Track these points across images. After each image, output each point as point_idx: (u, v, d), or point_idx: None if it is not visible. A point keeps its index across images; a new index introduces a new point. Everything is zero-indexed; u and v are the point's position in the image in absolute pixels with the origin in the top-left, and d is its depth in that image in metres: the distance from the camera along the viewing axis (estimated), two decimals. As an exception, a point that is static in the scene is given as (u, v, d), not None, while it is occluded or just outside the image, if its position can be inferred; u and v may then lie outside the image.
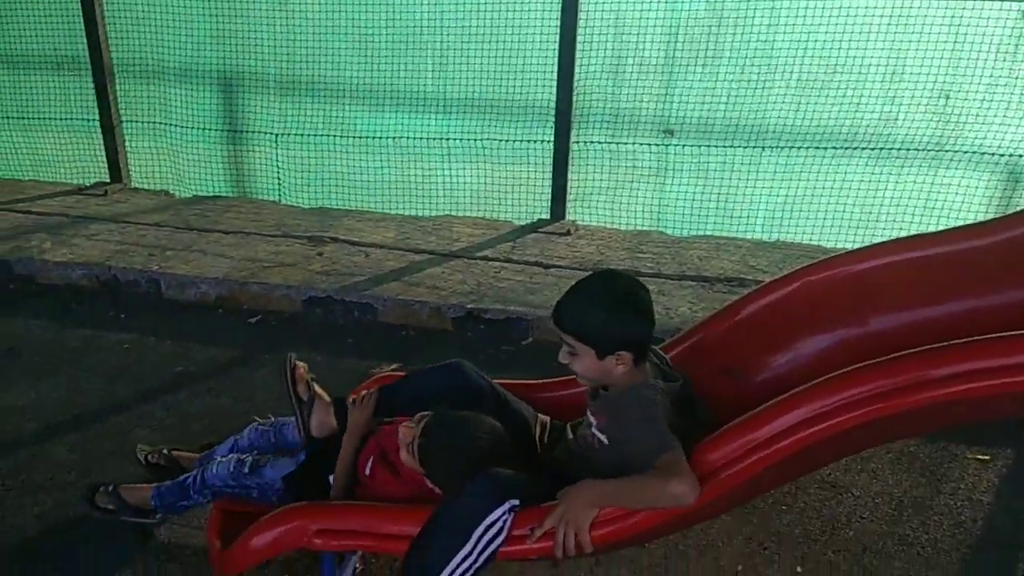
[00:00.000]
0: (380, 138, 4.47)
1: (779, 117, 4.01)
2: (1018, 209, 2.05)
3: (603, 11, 4.05)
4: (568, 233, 4.12)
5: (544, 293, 3.46)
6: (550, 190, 4.23)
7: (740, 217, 4.12)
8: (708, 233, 4.14)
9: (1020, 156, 3.86)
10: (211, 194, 4.80)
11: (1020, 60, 3.78)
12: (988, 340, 1.52)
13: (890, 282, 2.06)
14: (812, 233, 4.02)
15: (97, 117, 4.75)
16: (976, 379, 1.50)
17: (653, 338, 1.71)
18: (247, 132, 4.75)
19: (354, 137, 4.50)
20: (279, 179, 4.70)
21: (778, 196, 4.04)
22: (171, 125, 4.77)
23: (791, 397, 1.58)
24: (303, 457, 1.98)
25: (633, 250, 3.93)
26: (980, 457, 2.53)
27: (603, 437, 1.66)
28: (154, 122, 4.80)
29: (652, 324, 1.68)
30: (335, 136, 4.52)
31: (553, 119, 4.13)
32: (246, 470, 1.97)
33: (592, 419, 1.71)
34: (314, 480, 1.92)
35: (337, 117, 4.50)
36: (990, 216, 3.54)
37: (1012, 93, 3.80)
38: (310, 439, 1.99)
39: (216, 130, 4.78)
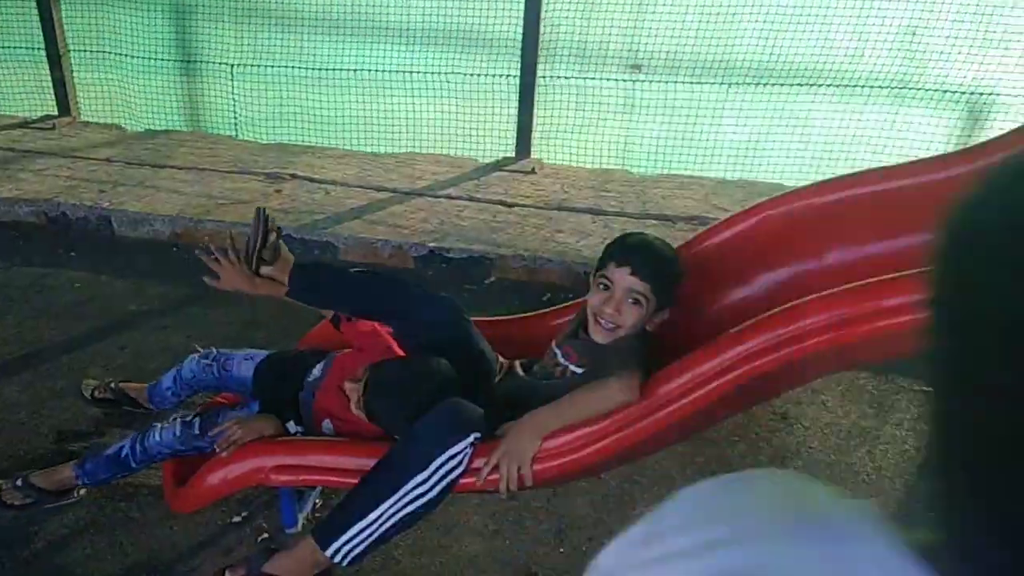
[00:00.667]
0: (341, 70, 4.33)
1: (747, 53, 3.96)
2: (977, 143, 2.05)
3: (571, -61, 3.92)
4: (533, 171, 4.07)
5: (507, 232, 3.44)
6: (515, 127, 4.16)
7: (705, 155, 4.09)
8: (673, 171, 4.12)
9: (981, 94, 3.88)
10: (164, 128, 4.63)
11: (987, -4, 3.75)
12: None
13: (848, 216, 2.07)
14: (775, 171, 4.03)
15: (43, 46, 4.53)
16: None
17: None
18: (202, 63, 4.57)
19: (314, 69, 4.35)
20: (235, 113, 4.55)
21: (743, 134, 4.02)
22: (122, 55, 4.56)
23: (743, 330, 1.59)
24: (255, 408, 1.93)
25: (598, 189, 3.90)
26: (926, 388, 2.60)
27: (578, 369, 1.68)
28: (103, 52, 4.59)
29: None
30: (294, 68, 4.37)
31: (519, 53, 4.03)
32: (196, 431, 1.86)
33: (562, 359, 1.71)
34: None
35: (296, 48, 4.34)
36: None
37: (977, 30, 3.78)
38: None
39: (169, 60, 4.58)
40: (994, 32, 3.79)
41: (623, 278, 1.63)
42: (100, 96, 4.70)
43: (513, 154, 4.21)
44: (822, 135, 3.97)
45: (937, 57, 3.85)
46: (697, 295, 2.09)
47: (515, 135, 4.18)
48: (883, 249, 2.04)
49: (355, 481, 1.65)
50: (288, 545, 1.70)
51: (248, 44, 4.42)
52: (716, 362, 1.59)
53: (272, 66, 4.40)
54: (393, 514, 1.55)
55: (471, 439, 1.56)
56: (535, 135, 4.18)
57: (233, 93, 4.52)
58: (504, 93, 4.16)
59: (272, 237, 1.85)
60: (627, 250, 1.67)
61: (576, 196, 3.80)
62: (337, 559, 1.58)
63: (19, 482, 2.02)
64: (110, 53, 4.57)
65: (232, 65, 4.46)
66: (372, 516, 1.55)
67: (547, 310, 2.15)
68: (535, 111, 4.10)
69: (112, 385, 2.29)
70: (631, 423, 1.57)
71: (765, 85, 3.98)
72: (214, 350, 2.09)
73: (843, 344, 1.57)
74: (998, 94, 3.86)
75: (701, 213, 3.62)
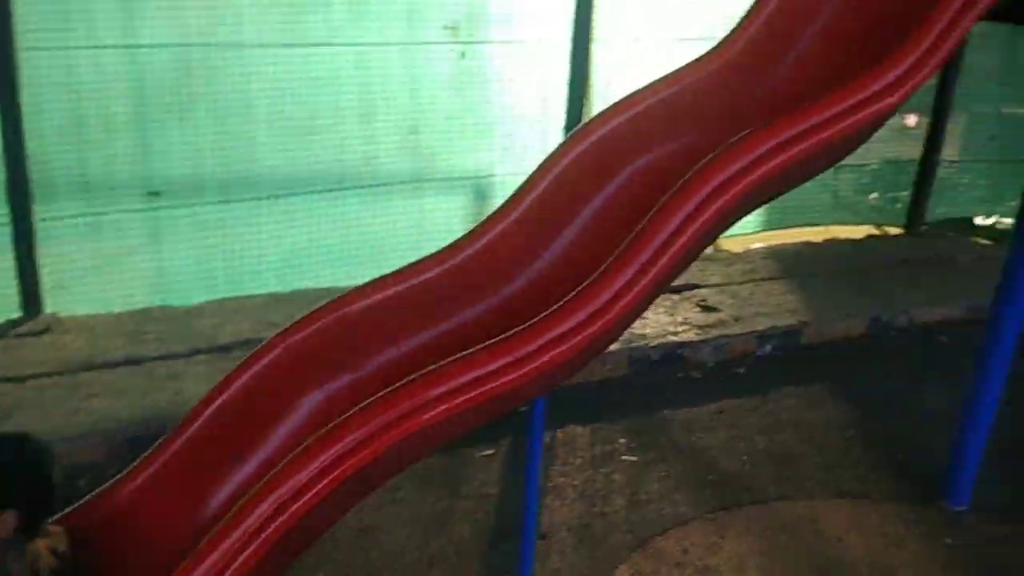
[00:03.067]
0: None
1: (269, 165, 3.97)
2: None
3: (47, 67, 3.47)
4: (48, 330, 3.45)
5: (23, 414, 2.81)
6: (16, 282, 3.50)
7: (251, 273, 3.97)
8: (220, 296, 3.90)
9: (483, 177, 4.48)
10: None
11: (468, 94, 4.36)
12: (429, 372, 1.62)
13: (375, 321, 2.13)
14: (326, 276, 4.07)
15: None
16: (446, 400, 1.61)
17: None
18: None
19: None
20: None
21: (283, 245, 4.00)
22: None
23: (278, 473, 1.52)
24: None
25: (134, 334, 3.47)
26: (486, 453, 2.80)
27: None
28: None
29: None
30: None
31: (4, 194, 3.43)
32: None
33: None
34: None
35: None
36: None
37: (467, 123, 4.37)
38: None
39: None
40: (481, 123, 4.42)
41: None
42: None
43: (22, 313, 3.54)
44: (359, 234, 4.16)
45: (442, 150, 4.35)
46: (242, 444, 1.94)
47: (18, 291, 3.51)
48: (413, 345, 2.15)
49: None
50: None
51: None
52: (252, 519, 1.49)
53: None
54: None
55: None
56: (45, 286, 3.57)
57: None
58: (-2, 242, 3.49)
59: None
60: None
61: (108, 348, 3.32)
62: None
63: None
64: None
65: None
66: None
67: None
68: (39, 260, 3.52)
69: None
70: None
71: (293, 195, 4.02)
72: None
73: (380, 456, 1.58)
74: (494, 175, 4.50)
75: (258, 334, 3.46)
